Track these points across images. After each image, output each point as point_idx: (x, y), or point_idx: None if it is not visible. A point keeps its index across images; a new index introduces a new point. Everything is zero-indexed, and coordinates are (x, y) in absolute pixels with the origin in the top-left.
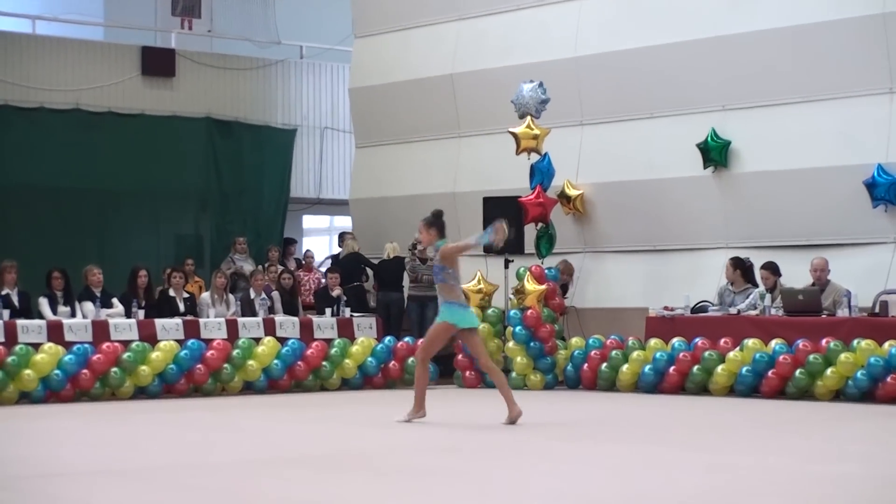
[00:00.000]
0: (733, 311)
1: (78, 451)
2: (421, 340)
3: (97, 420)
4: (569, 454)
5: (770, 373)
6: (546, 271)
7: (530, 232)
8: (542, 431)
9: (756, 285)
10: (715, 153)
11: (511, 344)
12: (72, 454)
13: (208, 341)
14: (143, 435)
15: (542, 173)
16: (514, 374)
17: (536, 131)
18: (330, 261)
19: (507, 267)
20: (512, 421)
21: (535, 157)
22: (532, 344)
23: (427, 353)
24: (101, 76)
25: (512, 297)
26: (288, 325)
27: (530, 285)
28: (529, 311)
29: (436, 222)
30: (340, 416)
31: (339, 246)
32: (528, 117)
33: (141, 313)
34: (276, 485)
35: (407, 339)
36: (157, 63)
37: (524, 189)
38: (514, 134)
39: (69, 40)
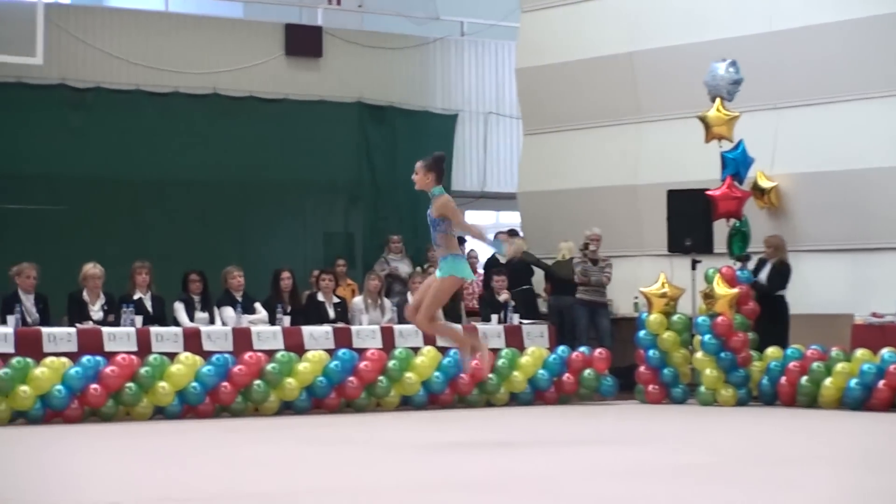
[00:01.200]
0: None
1: (216, 472)
2: (417, 301)
3: (238, 438)
4: (767, 481)
5: None
6: (738, 273)
7: (720, 229)
8: (736, 454)
9: None
10: None
11: (699, 355)
12: (207, 477)
13: (361, 351)
14: (289, 456)
15: (735, 163)
16: (702, 389)
17: (729, 115)
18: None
19: (694, 268)
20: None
21: (725, 145)
22: (723, 355)
23: (432, 312)
24: (241, 57)
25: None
26: None
27: (721, 289)
28: (720, 318)
29: (436, 166)
30: (509, 434)
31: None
32: (718, 100)
33: (286, 320)
34: None
35: (582, 348)
36: (303, 42)
37: (714, 181)
38: (703, 119)
39: (205, 18)
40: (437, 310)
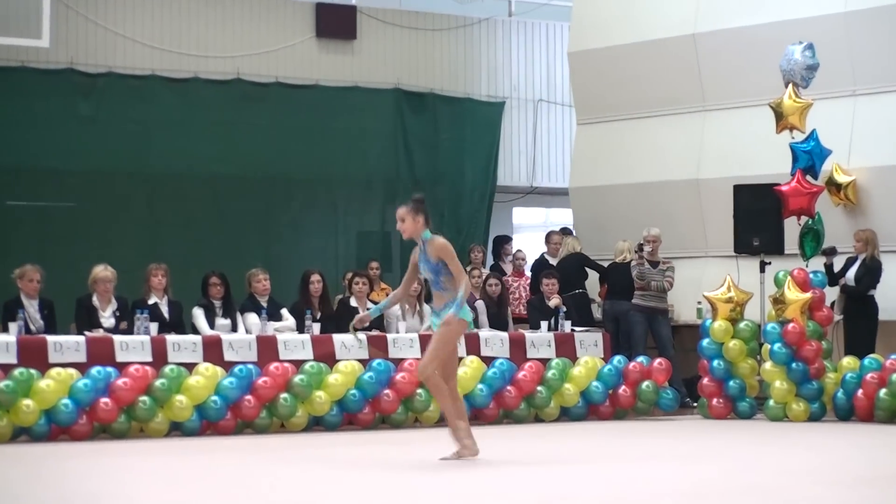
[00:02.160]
0: None
1: (237, 496)
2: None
3: (262, 457)
4: None
5: None
6: (811, 276)
7: (791, 228)
8: (808, 474)
9: None
10: None
11: (768, 365)
12: (227, 502)
13: (398, 362)
14: (318, 477)
15: (807, 155)
16: (771, 403)
17: (802, 103)
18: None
19: (762, 270)
20: (460, 456)
21: (797, 136)
22: (794, 365)
23: (435, 360)
24: (267, 39)
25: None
26: (495, 341)
27: (792, 293)
28: (791, 326)
29: (422, 208)
30: (559, 452)
31: (545, 245)
32: (791, 86)
33: (316, 327)
34: None
35: (640, 358)
36: (335, 23)
37: (784, 175)
38: (774, 107)
39: None
40: (440, 357)
